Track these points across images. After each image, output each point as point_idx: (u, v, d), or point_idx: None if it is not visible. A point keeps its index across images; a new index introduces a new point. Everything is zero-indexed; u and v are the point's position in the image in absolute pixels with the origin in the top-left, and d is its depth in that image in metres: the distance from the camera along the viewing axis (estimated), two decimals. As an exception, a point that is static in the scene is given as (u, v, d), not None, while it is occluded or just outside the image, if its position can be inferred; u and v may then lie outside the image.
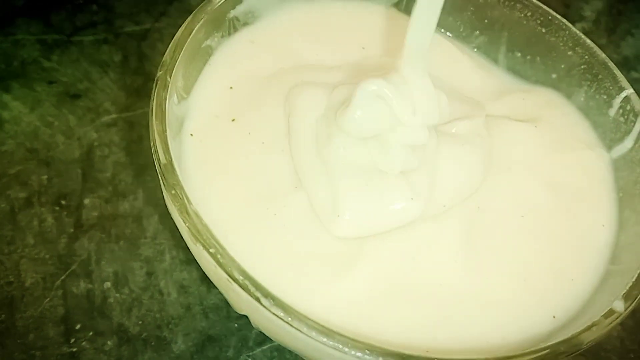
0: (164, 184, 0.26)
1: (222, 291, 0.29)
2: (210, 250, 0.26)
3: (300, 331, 0.25)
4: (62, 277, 0.37)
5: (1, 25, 0.47)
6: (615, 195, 0.35)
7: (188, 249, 0.38)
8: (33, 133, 0.42)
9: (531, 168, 0.35)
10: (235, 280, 0.25)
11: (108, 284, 0.37)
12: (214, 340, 0.36)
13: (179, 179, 0.26)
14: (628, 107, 0.36)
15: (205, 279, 0.38)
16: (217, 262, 0.25)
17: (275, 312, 0.25)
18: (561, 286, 0.31)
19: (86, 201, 0.40)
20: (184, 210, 0.26)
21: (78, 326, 0.35)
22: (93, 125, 0.43)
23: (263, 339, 0.36)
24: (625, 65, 0.36)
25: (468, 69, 0.39)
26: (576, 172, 0.36)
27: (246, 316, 0.36)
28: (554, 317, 0.30)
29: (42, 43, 0.47)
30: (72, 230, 0.38)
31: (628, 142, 0.36)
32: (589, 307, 0.31)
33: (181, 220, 0.26)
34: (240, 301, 0.27)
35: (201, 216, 0.26)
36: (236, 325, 0.37)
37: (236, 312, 0.37)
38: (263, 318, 0.26)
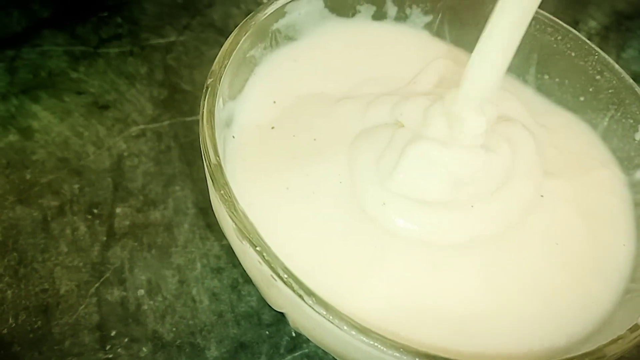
0: (213, 184, 0.29)
1: (263, 288, 0.32)
2: (257, 248, 0.28)
3: (340, 329, 0.28)
4: (96, 285, 0.39)
5: (27, 36, 0.50)
6: (635, 215, 0.38)
7: (218, 257, 0.42)
8: (64, 143, 0.45)
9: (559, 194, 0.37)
10: (280, 278, 0.28)
11: (142, 292, 0.39)
12: (246, 347, 0.39)
13: (227, 179, 0.30)
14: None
15: (235, 287, 0.41)
16: (263, 259, 0.28)
17: (317, 310, 0.28)
18: (581, 305, 0.33)
19: (118, 210, 0.42)
20: (232, 209, 0.29)
21: (113, 333, 0.38)
22: (122, 135, 0.46)
23: (294, 345, 0.39)
24: (636, 82, 0.40)
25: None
26: (596, 192, 0.38)
27: (277, 323, 0.39)
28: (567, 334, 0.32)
29: (69, 54, 0.50)
30: (104, 238, 0.41)
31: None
32: (607, 325, 0.33)
33: (229, 219, 0.29)
34: (282, 298, 0.30)
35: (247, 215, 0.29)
36: (267, 332, 0.39)
37: (267, 320, 0.40)
38: (303, 315, 0.29)
